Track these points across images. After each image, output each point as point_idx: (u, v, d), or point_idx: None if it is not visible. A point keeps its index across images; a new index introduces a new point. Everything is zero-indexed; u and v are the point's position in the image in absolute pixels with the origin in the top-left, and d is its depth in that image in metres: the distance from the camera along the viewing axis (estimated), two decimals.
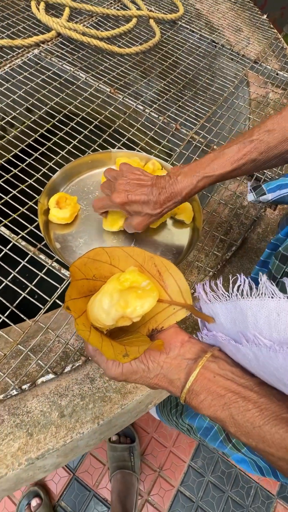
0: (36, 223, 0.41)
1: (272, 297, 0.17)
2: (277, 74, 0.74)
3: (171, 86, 0.64)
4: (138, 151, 0.51)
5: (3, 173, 0.45)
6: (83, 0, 0.75)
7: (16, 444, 0.31)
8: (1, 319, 0.35)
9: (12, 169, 0.46)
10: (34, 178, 0.46)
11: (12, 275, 0.37)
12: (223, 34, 0.82)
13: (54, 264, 0.39)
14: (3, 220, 0.41)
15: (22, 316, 0.35)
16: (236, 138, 0.33)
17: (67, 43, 0.65)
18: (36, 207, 0.41)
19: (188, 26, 0.78)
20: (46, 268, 0.39)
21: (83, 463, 0.87)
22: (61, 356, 0.36)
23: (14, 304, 0.36)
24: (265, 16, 0.90)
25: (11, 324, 0.35)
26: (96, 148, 0.51)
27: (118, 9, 0.75)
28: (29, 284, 0.37)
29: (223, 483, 0.90)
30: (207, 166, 0.32)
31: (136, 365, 0.21)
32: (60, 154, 0.49)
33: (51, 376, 0.33)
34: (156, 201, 0.33)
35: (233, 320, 0.19)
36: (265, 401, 0.18)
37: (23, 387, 0.32)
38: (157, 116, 0.58)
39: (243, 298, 0.18)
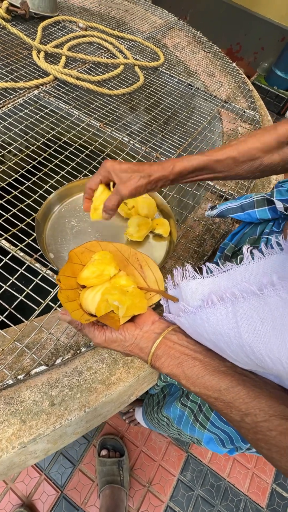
0: (33, 237, 0.48)
1: (193, 278, 0.23)
2: (244, 111, 0.86)
3: (153, 121, 0.74)
4: None
5: (5, 194, 0.52)
6: (77, 50, 0.87)
7: (10, 430, 0.35)
8: (0, 319, 0.40)
9: (12, 191, 0.53)
10: (32, 199, 0.53)
11: (10, 281, 0.43)
12: (199, 78, 0.96)
13: (48, 271, 0.45)
14: (3, 234, 0.47)
15: (19, 316, 0.40)
16: (214, 149, 0.37)
17: (63, 85, 0.75)
18: (33, 223, 0.48)
19: (168, 72, 0.90)
20: (41, 275, 0.44)
21: (71, 480, 0.86)
22: (52, 352, 0.40)
23: (12, 306, 0.41)
24: (234, 64, 1.05)
25: (10, 324, 0.40)
26: (87, 173, 0.59)
27: (107, 58, 0.88)
28: (25, 289, 0.43)
29: (212, 497, 0.90)
30: (196, 155, 0.36)
31: (116, 335, 0.27)
32: (55, 179, 0.56)
33: (43, 367, 0.38)
34: (146, 166, 0.35)
35: (180, 298, 0.26)
36: (208, 360, 0.23)
37: (19, 377, 0.36)
38: (140, 146, 0.67)
39: (181, 281, 0.25)
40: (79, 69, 0.81)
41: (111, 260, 0.32)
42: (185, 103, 0.84)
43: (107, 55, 0.89)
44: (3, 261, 0.44)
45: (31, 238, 0.48)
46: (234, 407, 0.21)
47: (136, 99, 0.79)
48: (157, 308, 0.47)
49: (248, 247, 0.22)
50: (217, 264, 0.25)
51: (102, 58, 0.85)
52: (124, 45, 0.94)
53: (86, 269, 0.31)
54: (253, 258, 0.22)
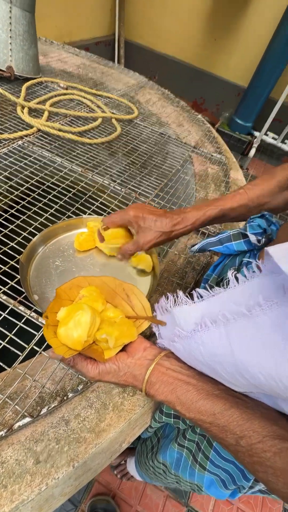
0: (16, 279, 0.47)
1: (185, 304, 0.25)
2: (212, 155, 0.96)
3: (131, 165, 0.81)
4: (105, 215, 0.62)
5: None
6: (59, 106, 0.96)
7: None
8: None
9: None
10: (15, 241, 0.54)
11: None
12: (170, 128, 1.07)
13: (32, 314, 0.44)
14: None
15: (1, 364, 0.38)
16: (225, 196, 0.42)
17: (46, 136, 0.81)
18: (16, 265, 0.48)
19: (142, 123, 1.01)
20: (25, 318, 0.43)
21: None
22: (37, 401, 0.38)
23: None
24: (199, 116, 1.20)
25: None
26: (70, 215, 0.62)
27: (87, 112, 0.97)
28: (8, 334, 0.41)
29: None
30: (211, 204, 0.40)
31: (109, 366, 0.27)
32: (39, 221, 0.58)
33: (27, 419, 0.35)
34: (168, 221, 0.37)
35: (172, 324, 0.27)
36: (201, 384, 0.24)
37: (0, 433, 0.34)
38: (120, 188, 0.72)
39: (172, 307, 0.26)
40: (61, 122, 0.89)
41: (99, 295, 0.33)
42: (159, 149, 0.92)
43: (87, 109, 0.99)
44: None
45: (14, 281, 0.47)
46: (229, 431, 0.21)
47: (114, 146, 0.86)
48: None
49: (233, 272, 0.25)
50: (206, 289, 0.27)
51: (82, 112, 0.94)
52: (102, 101, 1.05)
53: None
54: (238, 282, 0.24)
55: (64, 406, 0.38)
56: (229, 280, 0.25)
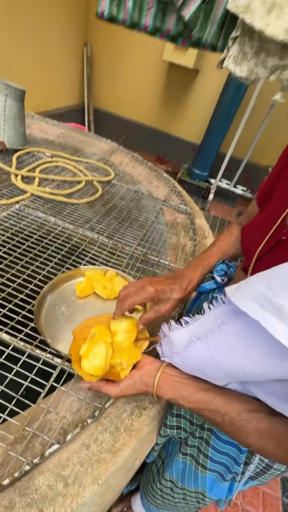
0: (29, 326, 0.55)
1: (177, 329, 0.36)
2: (179, 207, 1.16)
3: (113, 220, 0.96)
4: (98, 265, 0.74)
5: (1, 292, 0.61)
6: (47, 172, 1.12)
7: None
8: (9, 408, 0.44)
9: (6, 288, 0.62)
10: (24, 293, 0.62)
11: (15, 370, 0.48)
12: (142, 185, 1.28)
13: (48, 355, 0.52)
14: (3, 328, 0.54)
15: (26, 401, 0.45)
16: (209, 247, 0.56)
17: (39, 199, 0.94)
18: (27, 314, 0.56)
19: (119, 183, 1.20)
20: (42, 360, 0.51)
21: None
22: (59, 432, 0.44)
23: (19, 393, 0.45)
24: (165, 174, 1.44)
25: (19, 410, 0.44)
26: (69, 266, 0.72)
27: (71, 176, 1.14)
28: (29, 375, 0.48)
29: None
30: (202, 264, 0.52)
31: (127, 382, 0.36)
32: (42, 274, 0.68)
33: (56, 446, 0.41)
34: (180, 287, 0.45)
35: (170, 344, 0.38)
36: (195, 383, 0.35)
37: (34, 461, 0.39)
38: (107, 240, 0.85)
39: (169, 333, 0.38)
40: (50, 186, 1.04)
41: (107, 331, 0.43)
42: (135, 204, 1.10)
43: (71, 174, 1.16)
44: (6, 353, 0.50)
45: (28, 328, 0.55)
46: (217, 412, 0.32)
47: (98, 204, 1.02)
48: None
49: (207, 303, 0.37)
50: (190, 317, 0.39)
51: (67, 177, 1.10)
52: (83, 166, 1.24)
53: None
54: (210, 310, 0.37)
55: (83, 433, 0.45)
56: (205, 309, 0.37)
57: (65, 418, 0.45)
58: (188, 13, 1.37)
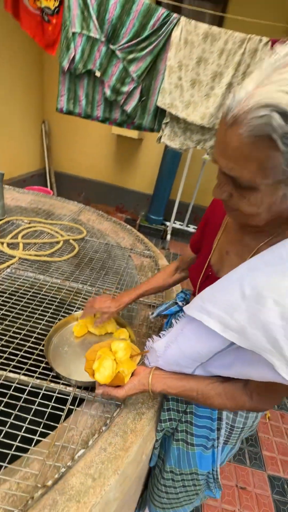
0: (41, 366, 0.68)
1: (157, 341, 0.56)
2: (144, 252, 1.41)
3: (92, 271, 1.15)
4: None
5: (13, 339, 0.73)
6: (27, 237, 1.30)
7: (72, 511, 0.47)
8: (39, 431, 0.56)
9: (14, 340, 0.75)
10: (30, 341, 0.76)
11: (37, 401, 0.60)
12: (110, 237, 1.52)
13: (61, 386, 0.65)
14: (20, 371, 0.66)
15: (52, 424, 0.57)
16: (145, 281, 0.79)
17: (26, 261, 1.11)
18: (37, 357, 0.69)
19: (91, 238, 1.42)
20: (57, 390, 0.64)
21: None
22: (81, 442, 0.57)
23: (44, 418, 0.58)
24: (128, 226, 1.71)
25: (48, 431, 0.56)
26: (63, 314, 0.88)
27: (50, 238, 1.33)
28: (49, 403, 0.61)
29: None
30: (135, 290, 0.76)
31: (130, 384, 0.52)
32: (42, 323, 0.82)
33: (81, 451, 0.54)
34: (114, 304, 0.72)
35: (154, 352, 0.56)
36: (176, 376, 0.53)
37: (68, 464, 0.51)
38: (91, 288, 1.03)
39: (153, 343, 0.56)
40: (33, 248, 1.21)
41: (109, 351, 0.60)
42: (108, 254, 1.32)
43: (49, 236, 1.35)
44: (27, 390, 0.63)
45: (41, 368, 0.68)
46: (193, 390, 0.50)
47: (77, 259, 1.21)
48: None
49: (174, 320, 0.57)
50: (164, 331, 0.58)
51: (46, 239, 1.29)
52: (58, 227, 1.45)
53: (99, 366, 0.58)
54: (176, 323, 0.57)
55: (99, 440, 0.58)
56: (173, 323, 0.57)
57: (84, 431, 0.58)
58: (129, 108, 1.81)
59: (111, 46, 1.61)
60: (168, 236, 3.23)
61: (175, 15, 1.56)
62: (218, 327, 0.43)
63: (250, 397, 0.48)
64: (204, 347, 0.48)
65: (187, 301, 0.73)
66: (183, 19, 1.56)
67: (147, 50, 1.62)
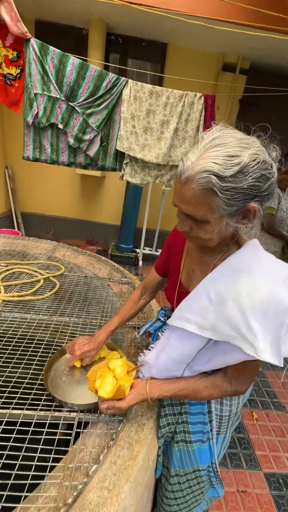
0: (43, 398, 0.72)
1: (147, 354, 0.66)
2: (121, 280, 1.52)
3: (76, 303, 1.22)
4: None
5: (11, 378, 0.76)
6: (7, 279, 1.33)
7: None
8: (51, 457, 0.59)
9: (11, 380, 0.78)
10: (30, 374, 0.79)
11: (44, 431, 0.64)
12: (87, 270, 1.60)
13: (65, 413, 0.69)
14: (23, 406, 0.70)
15: (63, 448, 0.61)
16: (114, 315, 0.88)
17: (10, 302, 1.14)
18: (43, 391, 0.74)
19: (69, 273, 1.50)
20: (62, 417, 0.68)
21: None
22: (93, 459, 0.61)
23: (54, 445, 0.62)
24: (103, 258, 1.82)
25: (61, 456, 0.60)
26: (56, 347, 0.92)
27: (30, 277, 1.38)
28: (57, 431, 0.65)
29: None
30: (106, 328, 0.84)
31: (130, 396, 0.60)
32: (36, 359, 0.86)
33: (94, 466, 0.59)
34: (93, 344, 0.80)
35: (147, 364, 0.66)
36: (168, 380, 0.62)
37: (84, 480, 0.56)
38: (77, 320, 1.09)
39: (144, 358, 0.66)
40: (15, 289, 1.24)
41: (108, 370, 0.68)
42: (88, 286, 1.40)
43: (28, 276, 1.40)
44: (33, 423, 0.66)
45: (43, 400, 0.72)
46: (185, 389, 0.60)
47: (59, 294, 1.27)
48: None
49: (160, 333, 0.68)
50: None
51: (26, 279, 1.34)
52: (36, 266, 1.50)
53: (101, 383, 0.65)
54: (162, 335, 0.67)
55: (109, 455, 0.63)
56: (159, 336, 0.68)
57: (93, 449, 0.63)
58: (92, 152, 2.01)
59: (71, 103, 1.83)
60: (140, 262, 3.38)
61: (123, 78, 1.85)
62: (196, 329, 0.55)
63: (230, 383, 0.59)
64: (189, 349, 0.59)
65: (167, 316, 0.84)
66: (130, 81, 1.86)
67: (103, 105, 1.87)
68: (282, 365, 0.48)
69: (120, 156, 2.13)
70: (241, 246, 0.57)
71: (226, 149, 0.44)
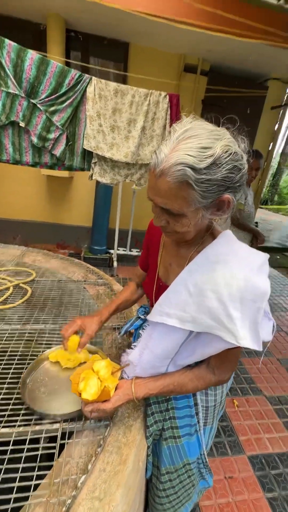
0: (21, 413, 0.67)
1: (131, 352, 0.64)
2: (97, 281, 1.48)
3: (52, 308, 1.15)
4: (54, 346, 0.91)
5: None
6: None
7: None
8: (35, 475, 0.55)
9: None
10: (3, 393, 0.73)
11: (25, 447, 0.59)
12: (61, 273, 1.54)
13: (47, 425, 0.65)
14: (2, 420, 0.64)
15: (47, 463, 0.57)
16: (112, 300, 0.85)
17: None
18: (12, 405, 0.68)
19: (42, 278, 1.42)
20: (44, 430, 0.64)
21: None
22: (80, 470, 0.58)
23: (37, 461, 0.57)
24: (76, 260, 1.76)
25: (46, 472, 0.56)
26: (31, 357, 0.87)
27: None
28: (39, 445, 0.60)
29: None
30: (104, 311, 0.81)
31: (116, 397, 0.58)
32: (11, 372, 0.80)
33: (83, 477, 0.56)
34: (96, 319, 0.78)
35: (132, 363, 0.64)
36: (153, 378, 0.61)
37: (73, 493, 0.52)
38: (54, 326, 1.04)
39: (128, 356, 0.64)
40: None
41: (92, 373, 0.65)
42: (63, 290, 1.34)
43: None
44: (11, 441, 0.61)
45: (21, 414, 0.67)
46: (170, 384, 0.59)
47: (32, 301, 1.20)
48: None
49: (141, 330, 0.66)
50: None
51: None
52: (4, 274, 1.40)
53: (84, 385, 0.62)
54: (143, 332, 0.66)
55: (97, 463, 0.60)
56: (141, 334, 0.67)
57: (80, 459, 0.60)
58: (58, 152, 1.94)
59: (32, 100, 1.74)
60: (115, 263, 3.34)
61: (87, 75, 1.80)
62: (177, 323, 0.55)
63: (213, 373, 0.60)
64: (171, 343, 0.58)
65: (147, 313, 0.83)
66: (94, 78, 1.82)
67: (67, 103, 1.81)
68: (261, 349, 0.50)
69: (88, 155, 2.08)
70: (215, 237, 0.58)
71: (199, 141, 0.44)
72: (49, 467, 0.58)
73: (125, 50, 3.04)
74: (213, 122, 0.50)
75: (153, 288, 0.71)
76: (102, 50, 3.03)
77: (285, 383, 1.88)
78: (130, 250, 3.62)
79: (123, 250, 3.58)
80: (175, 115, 2.12)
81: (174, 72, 3.19)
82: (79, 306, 1.21)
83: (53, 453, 0.60)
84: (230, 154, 0.45)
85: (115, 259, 3.38)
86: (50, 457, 0.59)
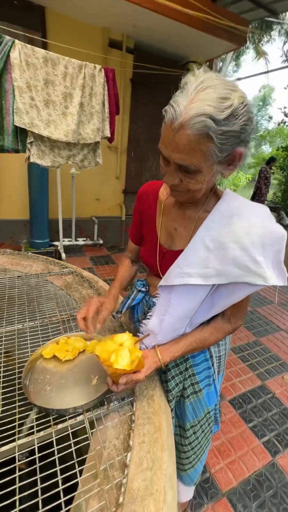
0: (33, 418, 0.59)
1: (148, 322, 0.64)
2: (62, 271, 1.36)
3: (23, 306, 1.02)
4: (44, 343, 0.82)
5: None
6: None
7: (151, 505, 0.48)
8: (77, 471, 0.50)
9: None
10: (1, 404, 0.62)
11: (54, 448, 0.53)
12: (17, 270, 1.35)
13: (70, 420, 0.59)
14: (14, 436, 0.55)
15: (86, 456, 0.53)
16: (114, 280, 0.82)
17: None
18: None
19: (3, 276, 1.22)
20: (69, 426, 0.58)
21: None
22: (122, 448, 0.56)
23: (75, 458, 0.52)
24: (30, 253, 1.57)
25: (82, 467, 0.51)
26: (20, 364, 0.76)
27: None
28: (71, 441, 0.55)
29: None
30: (111, 291, 0.77)
31: (147, 366, 0.57)
32: (2, 380, 0.68)
33: (129, 454, 0.54)
34: (110, 299, 0.74)
35: (152, 333, 0.64)
36: (175, 341, 0.63)
37: (125, 472, 0.50)
38: (33, 323, 0.92)
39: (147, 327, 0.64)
40: None
41: (117, 346, 0.61)
42: (28, 286, 1.19)
43: None
44: (36, 448, 0.53)
45: (34, 420, 0.59)
46: (192, 342, 0.61)
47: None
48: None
49: (155, 299, 0.66)
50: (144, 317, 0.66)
51: None
52: None
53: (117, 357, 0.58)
54: (158, 301, 0.65)
55: (135, 437, 0.59)
56: (154, 302, 0.66)
57: (117, 440, 0.57)
58: None
59: None
60: (63, 255, 3.13)
61: (8, 37, 1.54)
62: (200, 280, 0.56)
63: (229, 322, 0.64)
64: (193, 302, 0.60)
65: (146, 286, 0.82)
66: (18, 42, 1.57)
67: None
68: (286, 284, 0.56)
69: (21, 134, 1.82)
70: (219, 196, 0.60)
71: (218, 91, 0.44)
72: (82, 462, 0.53)
73: (41, 16, 2.70)
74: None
75: (155, 256, 0.70)
76: (13, 14, 2.61)
77: (240, 334, 2.18)
78: (76, 240, 3.44)
79: (69, 241, 3.37)
80: (112, 91, 2.04)
81: (98, 46, 3.02)
82: (54, 298, 1.10)
83: (87, 445, 0.55)
84: (246, 105, 0.46)
85: (62, 251, 3.16)
86: (84, 450, 0.54)
